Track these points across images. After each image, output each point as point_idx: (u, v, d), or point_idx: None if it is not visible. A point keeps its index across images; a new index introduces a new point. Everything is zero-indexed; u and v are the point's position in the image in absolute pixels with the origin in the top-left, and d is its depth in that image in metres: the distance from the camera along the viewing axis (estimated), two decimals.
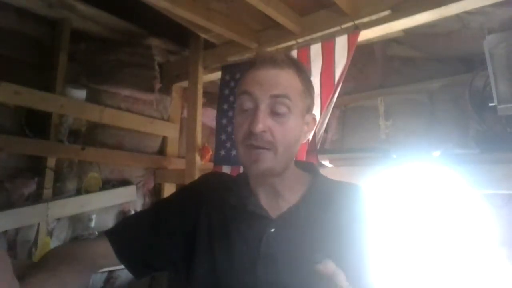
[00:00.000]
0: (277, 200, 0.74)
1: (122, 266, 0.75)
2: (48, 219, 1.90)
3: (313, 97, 0.76)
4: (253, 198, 0.74)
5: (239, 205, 0.74)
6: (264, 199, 0.74)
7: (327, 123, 1.82)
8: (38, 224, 1.87)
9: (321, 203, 0.72)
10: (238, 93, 0.72)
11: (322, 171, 0.81)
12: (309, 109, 0.75)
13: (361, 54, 2.24)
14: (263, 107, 0.67)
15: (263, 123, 0.66)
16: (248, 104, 0.69)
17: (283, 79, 0.69)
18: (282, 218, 0.71)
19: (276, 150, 0.67)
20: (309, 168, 0.81)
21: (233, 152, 1.95)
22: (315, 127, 0.78)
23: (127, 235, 0.76)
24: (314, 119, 0.78)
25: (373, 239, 0.70)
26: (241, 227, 0.72)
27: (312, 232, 0.69)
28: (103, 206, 2.16)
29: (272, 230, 0.70)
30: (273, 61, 0.70)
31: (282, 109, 0.67)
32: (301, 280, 0.64)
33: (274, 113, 0.68)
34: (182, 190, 0.87)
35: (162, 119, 2.55)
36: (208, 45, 2.21)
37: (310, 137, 1.67)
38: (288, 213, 0.72)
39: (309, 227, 0.69)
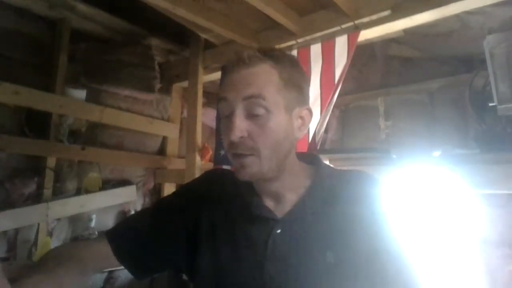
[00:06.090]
0: (280, 201, 0.72)
1: (122, 266, 0.74)
2: (48, 219, 1.90)
3: (302, 88, 0.71)
4: (257, 200, 0.72)
5: (243, 206, 0.72)
6: (268, 200, 0.73)
7: (327, 123, 1.82)
8: (38, 224, 1.87)
9: (328, 196, 0.69)
10: (217, 100, 0.70)
11: None
12: (298, 102, 0.69)
13: (361, 54, 2.23)
14: (238, 111, 0.64)
15: (240, 129, 0.63)
16: (225, 110, 0.67)
17: (256, 78, 0.64)
18: (287, 218, 0.69)
19: (260, 154, 0.65)
20: (311, 160, 0.78)
21: None
22: (311, 120, 0.73)
23: (128, 236, 0.75)
24: (310, 111, 0.72)
25: (393, 231, 0.67)
26: (246, 228, 0.71)
27: (320, 228, 0.66)
28: (103, 206, 2.16)
29: (278, 231, 0.68)
30: (241, 60, 0.65)
31: (258, 110, 0.64)
32: (310, 278, 0.63)
33: (251, 115, 0.64)
34: (183, 189, 0.85)
35: (162, 119, 2.55)
36: (208, 45, 2.21)
37: (310, 137, 1.69)
38: (293, 211, 0.70)
39: (317, 223, 0.67)
